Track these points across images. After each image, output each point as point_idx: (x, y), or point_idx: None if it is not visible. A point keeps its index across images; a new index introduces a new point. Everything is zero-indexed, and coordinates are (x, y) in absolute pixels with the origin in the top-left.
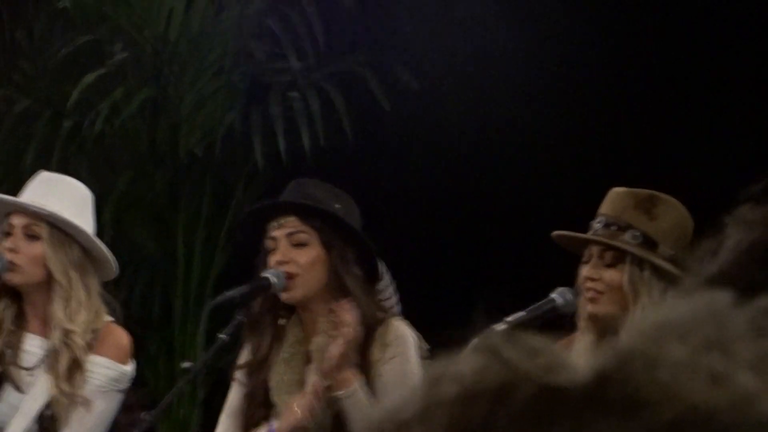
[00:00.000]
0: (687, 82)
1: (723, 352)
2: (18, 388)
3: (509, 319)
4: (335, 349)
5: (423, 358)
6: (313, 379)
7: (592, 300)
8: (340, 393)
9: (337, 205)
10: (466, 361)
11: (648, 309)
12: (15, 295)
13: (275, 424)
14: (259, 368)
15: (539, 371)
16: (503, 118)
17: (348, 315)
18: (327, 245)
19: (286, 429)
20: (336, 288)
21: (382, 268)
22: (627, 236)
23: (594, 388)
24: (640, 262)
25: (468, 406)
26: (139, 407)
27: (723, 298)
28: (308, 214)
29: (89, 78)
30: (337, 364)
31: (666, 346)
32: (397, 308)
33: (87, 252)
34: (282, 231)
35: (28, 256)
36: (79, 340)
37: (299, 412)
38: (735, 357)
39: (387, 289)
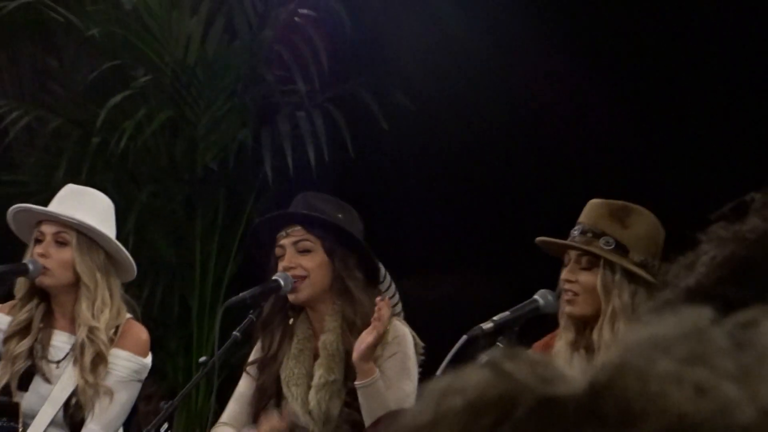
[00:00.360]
0: (666, 102)
1: (706, 364)
2: (47, 380)
3: (496, 318)
4: (369, 339)
5: (419, 354)
6: (318, 374)
7: (569, 301)
8: (364, 381)
9: (339, 215)
10: (471, 375)
11: (635, 325)
12: (44, 295)
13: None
14: (270, 363)
15: (538, 383)
16: (489, 135)
17: (384, 312)
18: (330, 252)
19: None
20: (339, 290)
21: (384, 271)
22: (601, 242)
23: (589, 400)
24: (612, 266)
25: (474, 416)
26: (159, 398)
27: (704, 314)
28: (312, 224)
29: (115, 100)
30: (366, 353)
31: (654, 360)
32: (399, 308)
33: (110, 256)
34: (289, 239)
35: (58, 261)
36: (102, 336)
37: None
38: (717, 369)
39: (392, 292)
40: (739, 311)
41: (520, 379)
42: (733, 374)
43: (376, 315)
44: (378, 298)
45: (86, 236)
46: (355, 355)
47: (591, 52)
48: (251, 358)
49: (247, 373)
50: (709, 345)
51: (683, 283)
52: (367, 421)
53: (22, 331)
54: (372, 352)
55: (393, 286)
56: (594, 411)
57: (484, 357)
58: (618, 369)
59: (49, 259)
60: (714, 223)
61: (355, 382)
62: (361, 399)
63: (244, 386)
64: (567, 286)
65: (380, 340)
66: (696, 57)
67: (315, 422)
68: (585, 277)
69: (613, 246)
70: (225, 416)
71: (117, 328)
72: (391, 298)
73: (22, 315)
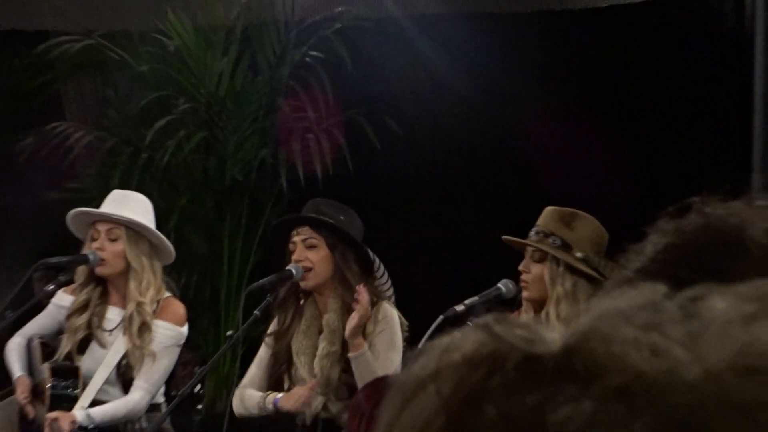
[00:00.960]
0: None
1: (660, 331)
2: (102, 345)
3: (466, 302)
4: (355, 319)
5: (404, 331)
6: (322, 346)
7: (524, 287)
8: (354, 354)
9: (341, 218)
10: (468, 335)
11: (602, 298)
12: (100, 279)
13: (279, 396)
14: (283, 335)
15: (523, 343)
16: (463, 153)
17: (364, 298)
18: (332, 248)
19: (286, 407)
20: (339, 279)
21: (378, 263)
22: (549, 241)
23: (563, 359)
24: (557, 260)
25: (470, 368)
26: (193, 364)
27: (659, 289)
28: (318, 225)
29: (159, 123)
30: (354, 331)
31: (617, 327)
32: (390, 293)
33: (152, 245)
34: (299, 237)
35: (112, 253)
36: (147, 309)
37: (297, 400)
38: (669, 335)
39: (385, 279)
40: (687, 288)
41: (508, 339)
42: (682, 340)
43: (357, 300)
44: (358, 286)
45: (133, 230)
46: (346, 333)
47: (551, 84)
48: (269, 331)
49: (266, 343)
50: (662, 315)
51: (634, 265)
52: (360, 385)
53: (81, 308)
54: (359, 331)
55: (386, 275)
56: (567, 368)
57: (475, 322)
58: (587, 333)
59: (105, 252)
60: (660, 218)
61: (348, 354)
62: (353, 368)
63: (263, 353)
64: (522, 276)
65: (364, 319)
66: (637, 93)
67: (320, 385)
68: (536, 269)
69: (559, 244)
70: (246, 379)
71: (159, 302)
72: (383, 284)
73: (82, 296)
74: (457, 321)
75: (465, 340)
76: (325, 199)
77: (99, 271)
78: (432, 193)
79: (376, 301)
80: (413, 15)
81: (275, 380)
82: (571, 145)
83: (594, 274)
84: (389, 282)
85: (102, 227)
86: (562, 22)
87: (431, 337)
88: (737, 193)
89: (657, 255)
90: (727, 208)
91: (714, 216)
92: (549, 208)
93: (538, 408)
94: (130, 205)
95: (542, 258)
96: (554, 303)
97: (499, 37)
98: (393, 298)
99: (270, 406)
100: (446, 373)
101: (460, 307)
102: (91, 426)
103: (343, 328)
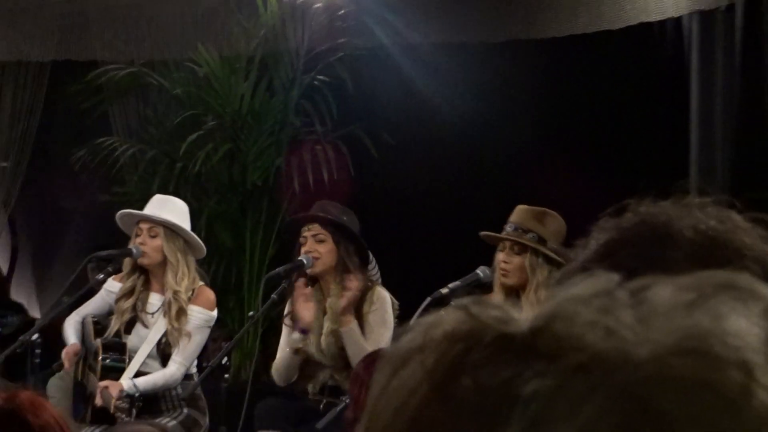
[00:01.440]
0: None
1: (614, 315)
2: (145, 326)
3: (450, 285)
4: (344, 301)
5: (395, 311)
6: (326, 325)
7: (504, 275)
8: (344, 329)
9: (344, 217)
10: (449, 313)
11: (563, 285)
12: (143, 270)
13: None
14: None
15: (497, 323)
16: (449, 161)
17: (353, 284)
18: (336, 242)
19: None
20: (342, 268)
21: (371, 255)
22: (528, 236)
23: (531, 338)
24: (536, 252)
25: (449, 344)
26: (221, 340)
27: (613, 278)
28: (325, 222)
29: (191, 137)
30: (343, 310)
31: (577, 310)
32: (378, 278)
33: (187, 242)
34: (310, 232)
35: (152, 247)
36: (183, 296)
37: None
38: (621, 319)
39: (374, 268)
40: (626, 276)
41: (484, 319)
42: (632, 323)
43: (346, 286)
44: (348, 276)
45: (170, 229)
46: (331, 315)
47: (520, 103)
48: (285, 311)
49: (285, 324)
50: (616, 301)
51: (579, 259)
52: (352, 357)
53: (128, 294)
54: (347, 311)
55: (374, 263)
56: (534, 347)
57: (456, 302)
58: (551, 316)
59: (146, 246)
60: (602, 218)
61: (341, 328)
62: (344, 340)
63: (285, 334)
64: (503, 265)
65: (352, 301)
66: (592, 110)
67: (324, 357)
68: (516, 260)
69: (536, 239)
70: (277, 361)
71: (193, 291)
72: (375, 273)
73: (128, 284)
74: (442, 302)
75: (447, 318)
76: (330, 201)
77: (141, 261)
78: (421, 195)
79: (371, 285)
80: (404, 45)
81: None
82: (536, 154)
83: (564, 263)
84: (377, 268)
85: (144, 226)
86: (528, 50)
87: (420, 315)
88: (670, 195)
89: (599, 248)
90: (658, 207)
91: (647, 214)
92: (521, 207)
93: (509, 382)
94: (169, 208)
95: (522, 250)
96: (534, 289)
97: (475, 63)
98: (380, 281)
99: (296, 336)
100: (430, 347)
101: (444, 290)
102: (136, 393)
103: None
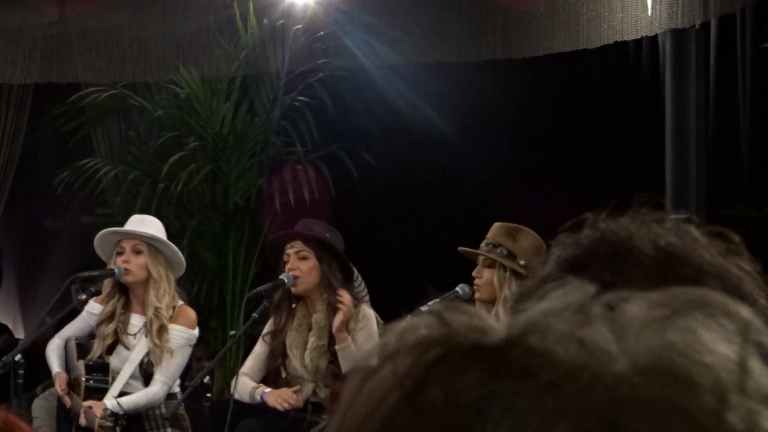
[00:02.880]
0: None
1: (589, 328)
2: (126, 347)
3: (430, 303)
4: (339, 317)
5: (380, 328)
6: (311, 340)
7: (476, 290)
8: (340, 346)
9: (327, 235)
10: (423, 319)
11: (539, 297)
12: (123, 291)
13: (267, 391)
14: (279, 333)
15: (470, 331)
16: (427, 180)
17: (345, 299)
18: (319, 259)
19: (270, 402)
20: (326, 284)
21: (356, 272)
22: (497, 251)
23: (503, 350)
24: (504, 267)
25: (422, 351)
26: (204, 359)
27: (588, 290)
28: (307, 240)
29: (173, 158)
30: (339, 327)
31: (551, 322)
32: (366, 296)
33: (167, 259)
34: (292, 249)
35: (136, 265)
36: (164, 313)
37: (278, 400)
38: (595, 335)
39: (360, 284)
40: (609, 291)
41: (457, 326)
42: (606, 339)
43: (340, 302)
44: (340, 290)
45: (152, 245)
46: (333, 329)
47: (498, 121)
48: (265, 330)
49: (263, 340)
50: (590, 314)
51: (539, 274)
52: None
53: (108, 318)
54: (344, 326)
55: (362, 281)
56: (507, 360)
57: (429, 308)
58: (525, 328)
59: (130, 264)
60: (561, 233)
61: (335, 347)
62: (339, 358)
63: (260, 349)
64: (475, 280)
65: (348, 316)
66: (569, 126)
67: (309, 374)
68: (486, 275)
69: (505, 254)
70: (245, 368)
71: (174, 308)
72: (360, 289)
73: (108, 307)
74: None
75: (420, 323)
76: (313, 219)
77: (125, 280)
78: (401, 214)
79: (357, 303)
80: (383, 65)
81: (273, 372)
82: (515, 171)
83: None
84: (364, 286)
85: (127, 244)
86: (506, 69)
87: None
88: (628, 208)
89: (559, 264)
90: (617, 222)
91: (606, 230)
92: (497, 224)
93: (481, 398)
94: (148, 226)
95: (492, 265)
96: (502, 303)
97: (454, 83)
98: (368, 299)
99: (258, 398)
100: (402, 353)
101: (424, 308)
102: (120, 412)
103: (329, 325)
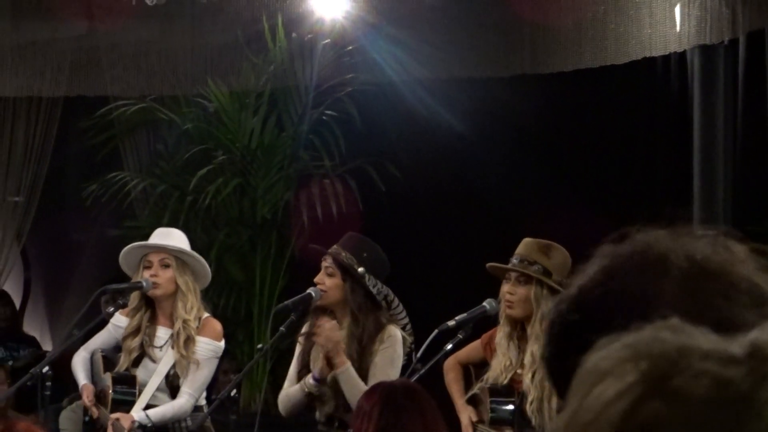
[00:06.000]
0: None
1: None
2: (153, 360)
3: (457, 318)
4: (323, 349)
5: (408, 346)
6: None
7: (509, 307)
8: (337, 371)
9: (364, 254)
10: (656, 330)
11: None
12: (149, 304)
13: (313, 372)
14: (309, 338)
15: (711, 364)
16: (454, 194)
17: (326, 326)
18: (344, 279)
19: (324, 373)
20: (348, 304)
21: (391, 295)
22: (534, 268)
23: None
24: (541, 284)
25: (662, 356)
26: (231, 372)
27: None
28: (336, 260)
29: (201, 172)
30: (329, 354)
31: None
32: (405, 321)
33: (193, 271)
34: (324, 263)
35: (165, 278)
36: (192, 325)
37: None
38: None
39: (398, 306)
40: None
41: (693, 346)
42: None
43: (314, 332)
44: (319, 319)
45: (180, 258)
46: (326, 354)
47: (524, 136)
48: (303, 330)
49: (299, 342)
50: None
51: (575, 284)
52: (349, 398)
53: (134, 332)
54: (335, 353)
55: (401, 306)
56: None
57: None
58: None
59: (159, 278)
60: (603, 244)
61: (334, 371)
62: (340, 383)
63: (297, 352)
64: (508, 296)
65: (326, 347)
66: (597, 141)
67: (331, 390)
68: (521, 291)
69: (541, 271)
70: (287, 382)
71: (200, 320)
72: (399, 314)
73: (134, 321)
74: (449, 334)
75: (653, 338)
76: (356, 234)
77: (152, 293)
78: (427, 227)
79: (384, 324)
80: (410, 81)
81: (299, 379)
82: (542, 186)
83: None
84: (401, 309)
85: (155, 257)
86: (533, 84)
87: (429, 345)
88: (669, 224)
89: (594, 275)
90: (656, 235)
91: (643, 242)
92: (527, 240)
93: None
94: (174, 239)
95: (527, 282)
96: (539, 320)
97: (482, 97)
98: (409, 327)
99: (311, 381)
100: (642, 356)
101: (451, 323)
102: (148, 424)
103: (349, 345)
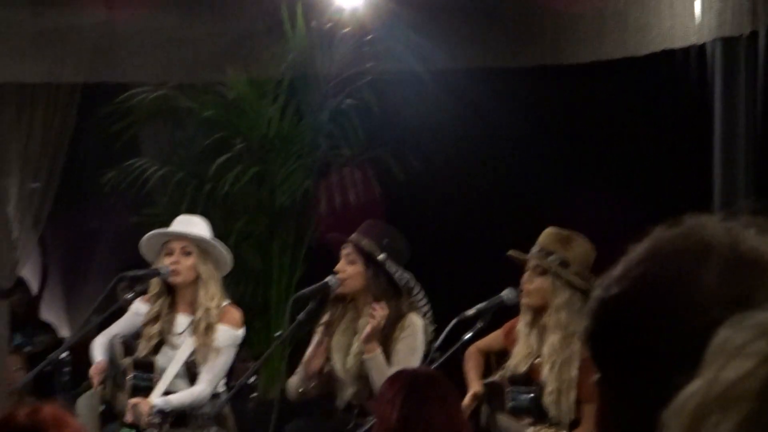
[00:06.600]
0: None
1: None
2: (172, 347)
3: (476, 307)
4: (369, 329)
5: (429, 334)
6: (355, 345)
7: (526, 296)
8: (367, 356)
9: (385, 240)
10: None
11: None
12: (169, 291)
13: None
14: (330, 327)
15: None
16: (469, 183)
17: (378, 313)
18: (366, 265)
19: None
20: (370, 292)
21: (412, 283)
22: (551, 259)
23: None
24: (557, 275)
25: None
26: (249, 359)
27: None
28: (357, 247)
29: (220, 159)
30: (366, 338)
31: None
32: (427, 308)
33: (215, 259)
34: (344, 251)
35: (186, 266)
36: (213, 313)
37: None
38: None
39: (419, 293)
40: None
41: None
42: None
43: (371, 314)
44: (374, 304)
45: (201, 246)
46: (362, 338)
47: (544, 127)
48: (322, 321)
49: (318, 331)
50: None
51: (621, 263)
52: (375, 384)
53: (154, 319)
54: (372, 338)
55: (422, 293)
56: None
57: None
58: None
59: (180, 265)
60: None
61: (363, 356)
62: (367, 367)
63: (314, 341)
64: (526, 286)
65: (376, 330)
66: (616, 134)
67: (348, 376)
68: (538, 281)
69: (559, 262)
70: (300, 368)
71: (220, 308)
72: (420, 301)
73: (154, 308)
74: (468, 323)
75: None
76: (377, 221)
77: (173, 280)
78: (446, 216)
79: (405, 312)
80: (430, 69)
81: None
82: (561, 176)
83: (587, 288)
84: (422, 296)
85: (176, 245)
86: (553, 75)
87: (448, 333)
88: (728, 213)
89: (639, 254)
90: (703, 222)
91: (689, 227)
92: (549, 229)
93: None
94: (196, 226)
95: (544, 272)
96: (554, 311)
97: (501, 88)
98: (429, 314)
99: (301, 376)
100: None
101: (470, 312)
102: (167, 409)
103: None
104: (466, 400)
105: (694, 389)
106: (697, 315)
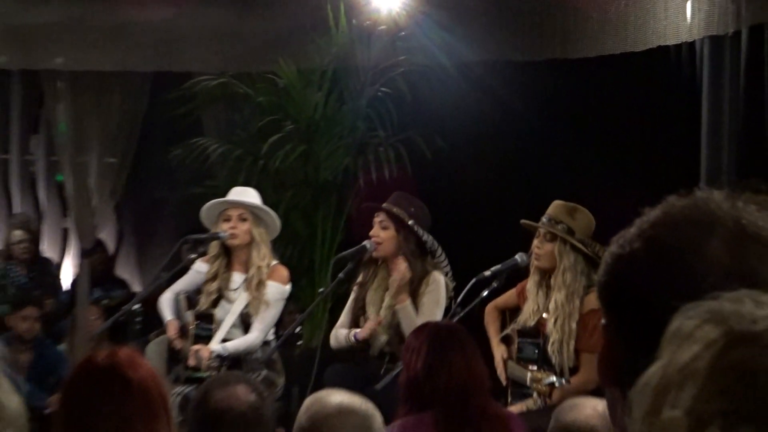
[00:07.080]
0: (604, 146)
1: None
2: (228, 301)
3: (492, 268)
4: (395, 282)
5: (450, 291)
6: (387, 299)
7: (537, 259)
8: (399, 306)
9: (412, 209)
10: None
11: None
12: (226, 252)
13: (357, 331)
14: (363, 286)
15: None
16: (493, 162)
17: (402, 266)
18: (398, 231)
19: (360, 336)
20: (401, 251)
21: (437, 247)
22: (559, 227)
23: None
24: (564, 241)
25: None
26: (295, 312)
27: None
28: (389, 214)
29: (272, 139)
30: (396, 290)
31: None
32: (446, 267)
33: (267, 224)
34: (377, 219)
35: (242, 230)
36: (264, 271)
37: (366, 331)
38: None
39: (441, 256)
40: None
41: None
42: None
43: (392, 270)
44: (396, 259)
45: (254, 213)
46: (391, 292)
47: (556, 115)
48: (358, 280)
49: (353, 291)
50: None
51: (633, 227)
52: (405, 330)
53: (213, 277)
54: (401, 290)
55: (444, 255)
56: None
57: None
58: None
59: (237, 229)
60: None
61: (397, 306)
62: (398, 315)
63: (351, 299)
64: (536, 250)
65: (402, 282)
66: (616, 121)
67: (381, 327)
68: (547, 246)
69: (566, 230)
70: (339, 322)
71: (270, 266)
72: (442, 262)
73: (213, 267)
74: (485, 282)
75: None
76: (404, 193)
77: (230, 243)
78: (467, 190)
79: (429, 270)
80: (457, 62)
81: (354, 320)
82: (568, 157)
83: (588, 252)
84: (444, 257)
85: (234, 212)
86: (563, 68)
87: (467, 293)
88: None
89: (652, 218)
90: (712, 196)
91: (697, 198)
92: (556, 202)
93: None
94: (249, 196)
95: (553, 239)
96: (561, 273)
97: (516, 78)
98: (450, 273)
99: (352, 338)
100: (721, 318)
101: (487, 273)
102: (224, 354)
103: (403, 287)
104: (497, 360)
105: (654, 370)
106: (697, 279)
